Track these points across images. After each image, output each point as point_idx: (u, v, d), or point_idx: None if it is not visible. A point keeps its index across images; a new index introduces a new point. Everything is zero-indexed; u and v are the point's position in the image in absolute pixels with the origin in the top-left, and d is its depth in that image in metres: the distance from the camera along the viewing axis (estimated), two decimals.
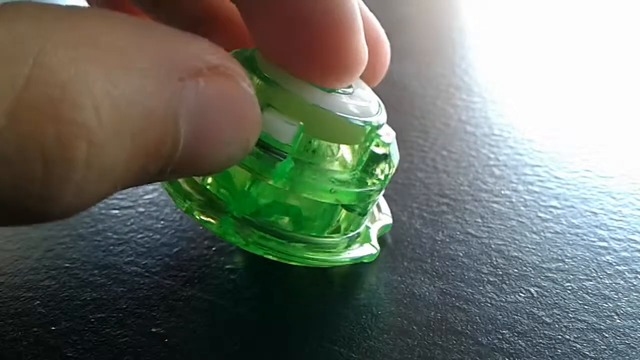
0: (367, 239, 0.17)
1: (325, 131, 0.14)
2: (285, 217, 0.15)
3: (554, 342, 0.14)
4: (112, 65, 0.10)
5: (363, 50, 0.14)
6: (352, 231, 0.16)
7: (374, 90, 0.16)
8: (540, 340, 0.14)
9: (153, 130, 0.10)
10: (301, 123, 0.14)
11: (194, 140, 0.11)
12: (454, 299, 0.16)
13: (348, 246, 0.16)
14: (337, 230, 0.16)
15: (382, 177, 0.16)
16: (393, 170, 0.16)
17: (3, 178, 0.09)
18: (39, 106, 0.09)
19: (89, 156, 0.09)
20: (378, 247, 0.17)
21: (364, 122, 0.14)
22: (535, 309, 0.15)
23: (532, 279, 0.16)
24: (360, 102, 0.15)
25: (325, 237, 0.16)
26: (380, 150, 0.15)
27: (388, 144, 0.16)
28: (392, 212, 0.19)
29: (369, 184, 0.15)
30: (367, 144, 0.15)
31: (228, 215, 0.15)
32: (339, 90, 0.14)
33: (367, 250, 0.17)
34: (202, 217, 0.15)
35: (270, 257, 0.15)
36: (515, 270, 0.17)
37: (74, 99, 0.09)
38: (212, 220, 0.15)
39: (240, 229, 0.15)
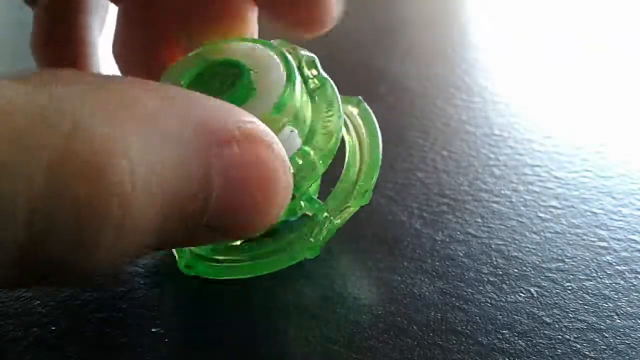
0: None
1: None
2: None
3: (554, 342, 0.14)
4: (146, 129, 0.10)
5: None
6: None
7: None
8: (540, 340, 0.14)
9: (185, 194, 0.10)
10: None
11: (226, 208, 0.11)
12: (454, 299, 0.16)
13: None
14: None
15: (316, 73, 0.16)
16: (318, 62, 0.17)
17: (39, 237, 0.09)
18: (76, 165, 0.09)
19: (121, 216, 0.09)
20: None
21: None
22: (535, 309, 0.15)
23: (532, 279, 0.16)
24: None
25: None
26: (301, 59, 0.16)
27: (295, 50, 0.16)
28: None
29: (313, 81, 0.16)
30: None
31: (327, 221, 0.16)
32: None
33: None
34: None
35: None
36: (515, 270, 0.17)
37: (110, 160, 0.09)
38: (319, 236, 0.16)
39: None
